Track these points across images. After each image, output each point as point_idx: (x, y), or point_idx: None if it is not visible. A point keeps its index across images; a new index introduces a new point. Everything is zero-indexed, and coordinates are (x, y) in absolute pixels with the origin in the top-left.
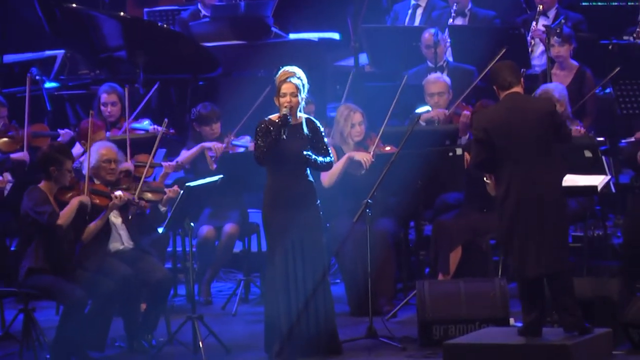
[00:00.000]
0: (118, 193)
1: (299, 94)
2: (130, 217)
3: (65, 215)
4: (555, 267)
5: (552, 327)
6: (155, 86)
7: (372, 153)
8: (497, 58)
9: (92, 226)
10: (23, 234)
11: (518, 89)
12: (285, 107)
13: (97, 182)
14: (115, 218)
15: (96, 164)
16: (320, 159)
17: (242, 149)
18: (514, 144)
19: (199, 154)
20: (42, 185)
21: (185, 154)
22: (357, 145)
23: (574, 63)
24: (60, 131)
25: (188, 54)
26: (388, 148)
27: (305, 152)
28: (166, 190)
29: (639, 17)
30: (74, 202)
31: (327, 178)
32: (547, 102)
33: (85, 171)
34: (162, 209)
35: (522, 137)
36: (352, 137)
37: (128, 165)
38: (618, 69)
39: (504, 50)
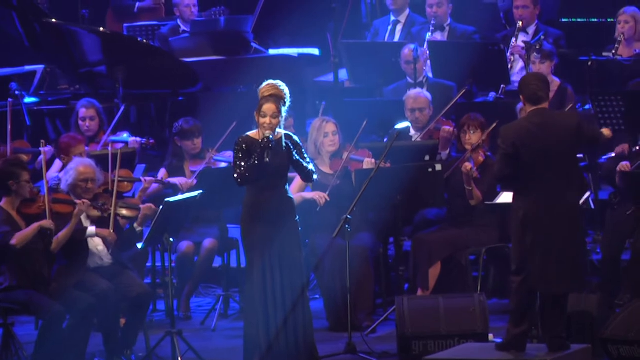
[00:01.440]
0: (81, 200)
1: (279, 115)
2: (109, 249)
3: (21, 236)
4: (575, 286)
5: (531, 343)
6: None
7: (346, 157)
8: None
9: (61, 235)
10: None
11: (546, 104)
12: (265, 127)
13: (59, 191)
14: (93, 238)
15: (73, 182)
16: (305, 164)
17: (224, 164)
18: (541, 160)
19: (178, 167)
20: (3, 203)
21: (154, 187)
22: (331, 158)
23: (556, 80)
24: (41, 149)
25: (168, 69)
26: (366, 159)
27: (295, 157)
28: (141, 207)
29: (616, 34)
30: (34, 227)
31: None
32: (574, 116)
33: (63, 187)
34: (138, 229)
35: (549, 154)
36: (325, 147)
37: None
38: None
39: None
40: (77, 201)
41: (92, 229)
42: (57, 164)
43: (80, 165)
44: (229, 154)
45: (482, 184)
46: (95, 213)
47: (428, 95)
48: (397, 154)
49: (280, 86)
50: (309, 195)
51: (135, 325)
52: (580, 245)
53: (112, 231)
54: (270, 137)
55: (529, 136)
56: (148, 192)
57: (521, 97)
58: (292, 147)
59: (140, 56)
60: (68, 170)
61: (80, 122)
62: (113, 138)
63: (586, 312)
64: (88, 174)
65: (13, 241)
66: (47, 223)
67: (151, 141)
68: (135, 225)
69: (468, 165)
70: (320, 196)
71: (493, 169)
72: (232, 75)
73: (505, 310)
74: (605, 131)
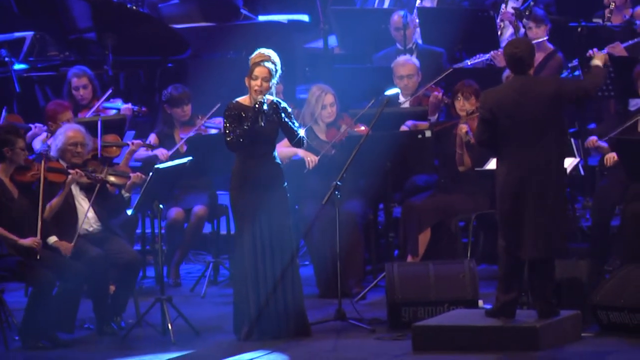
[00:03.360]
0: (75, 169)
1: (270, 79)
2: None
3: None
4: (550, 252)
5: (521, 309)
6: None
7: (344, 130)
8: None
9: (54, 203)
10: None
11: (531, 71)
12: (256, 90)
13: (62, 163)
14: (83, 199)
15: (62, 147)
16: (295, 129)
17: (214, 131)
18: (517, 125)
19: (147, 159)
20: None
21: (143, 154)
22: (328, 126)
23: (550, 46)
24: (33, 125)
25: (157, 35)
26: (363, 128)
27: (284, 119)
28: (131, 175)
29: (605, 0)
30: (26, 241)
31: (279, 154)
32: (552, 82)
33: (52, 153)
34: (126, 195)
35: (527, 120)
36: (322, 118)
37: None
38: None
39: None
40: (71, 171)
41: (52, 238)
42: (43, 134)
43: (69, 130)
44: (219, 121)
45: (473, 151)
46: (86, 180)
47: (416, 61)
48: (386, 121)
49: (271, 55)
50: (300, 152)
51: (125, 292)
52: (557, 213)
53: (69, 245)
54: (263, 101)
55: (507, 102)
56: (137, 157)
57: (508, 61)
58: (281, 112)
59: (129, 23)
60: (57, 135)
61: (73, 92)
62: (105, 105)
63: (576, 278)
64: (77, 138)
65: None
66: (28, 242)
67: (143, 109)
68: (123, 191)
69: (464, 127)
70: (310, 159)
71: None
72: (221, 42)
73: (495, 276)
74: (598, 59)
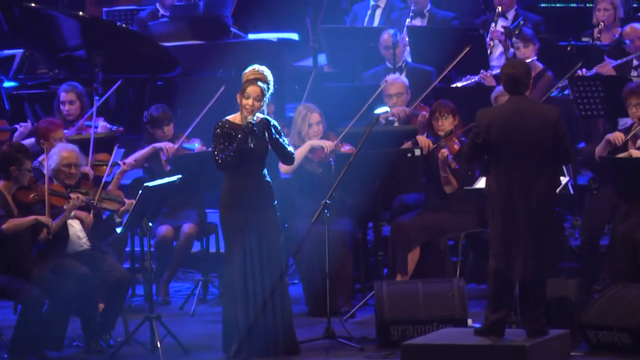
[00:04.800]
0: (75, 194)
1: (262, 99)
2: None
3: (14, 224)
4: (540, 274)
5: (510, 328)
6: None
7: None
8: (461, 55)
9: (52, 227)
10: None
11: (527, 92)
12: (247, 109)
13: (55, 183)
14: (73, 220)
15: (56, 167)
16: (286, 146)
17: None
18: (510, 146)
19: (152, 153)
20: (0, 186)
21: (135, 154)
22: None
23: (539, 65)
24: (18, 125)
25: (147, 53)
26: (347, 147)
27: (274, 136)
28: (125, 201)
29: (594, 20)
30: (30, 219)
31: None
32: (553, 111)
33: (45, 170)
34: (118, 220)
35: (520, 141)
36: (309, 136)
37: (87, 169)
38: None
39: (467, 48)
40: (72, 195)
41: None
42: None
43: (63, 150)
44: (196, 142)
45: (458, 172)
46: (84, 202)
47: (405, 80)
48: (376, 140)
49: (264, 72)
50: (316, 142)
51: (114, 310)
52: (546, 235)
53: (90, 215)
54: (253, 121)
55: (502, 122)
56: (139, 157)
57: (506, 84)
58: (272, 129)
59: (119, 41)
60: (51, 156)
61: (61, 106)
62: (87, 123)
63: (565, 297)
64: (71, 159)
65: (4, 226)
66: (45, 219)
67: (120, 129)
68: (115, 216)
69: (445, 152)
70: (328, 144)
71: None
72: (211, 60)
73: (484, 295)
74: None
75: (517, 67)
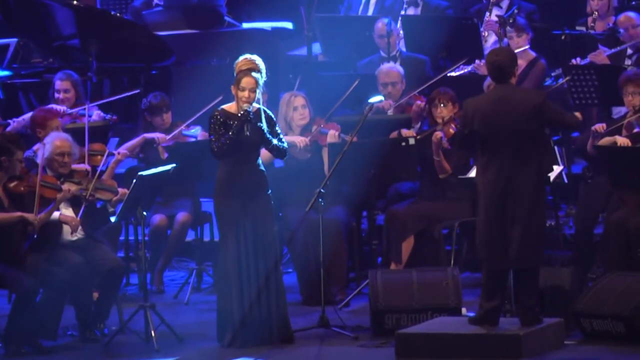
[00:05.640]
0: (67, 186)
1: (257, 89)
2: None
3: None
4: (523, 264)
5: (504, 317)
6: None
7: (315, 131)
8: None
9: (42, 216)
10: None
11: (513, 80)
12: (243, 101)
13: (49, 173)
14: (66, 209)
15: (49, 156)
16: (277, 142)
17: (192, 139)
18: (497, 134)
19: (144, 143)
20: None
21: (126, 145)
22: (302, 130)
23: (532, 54)
24: (11, 121)
25: (141, 42)
26: (333, 130)
27: (266, 135)
28: (119, 190)
29: (588, 9)
30: (16, 215)
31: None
32: (536, 95)
33: (38, 160)
34: (111, 209)
35: (506, 129)
36: (295, 121)
37: (85, 166)
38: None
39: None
40: (64, 187)
41: (55, 214)
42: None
43: (56, 139)
44: (197, 129)
45: (452, 158)
46: (76, 194)
47: (400, 69)
48: (370, 129)
49: (256, 61)
50: (289, 138)
51: (108, 299)
52: (533, 224)
53: (77, 218)
54: (249, 109)
55: (487, 111)
56: (133, 146)
57: (492, 71)
58: (266, 121)
59: (113, 30)
60: (45, 145)
61: (56, 95)
62: (81, 112)
63: (559, 286)
64: (64, 148)
65: None
66: (31, 217)
67: (114, 117)
68: (109, 206)
69: (438, 134)
70: (300, 140)
71: None
72: (205, 49)
73: (478, 284)
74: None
75: (500, 54)
